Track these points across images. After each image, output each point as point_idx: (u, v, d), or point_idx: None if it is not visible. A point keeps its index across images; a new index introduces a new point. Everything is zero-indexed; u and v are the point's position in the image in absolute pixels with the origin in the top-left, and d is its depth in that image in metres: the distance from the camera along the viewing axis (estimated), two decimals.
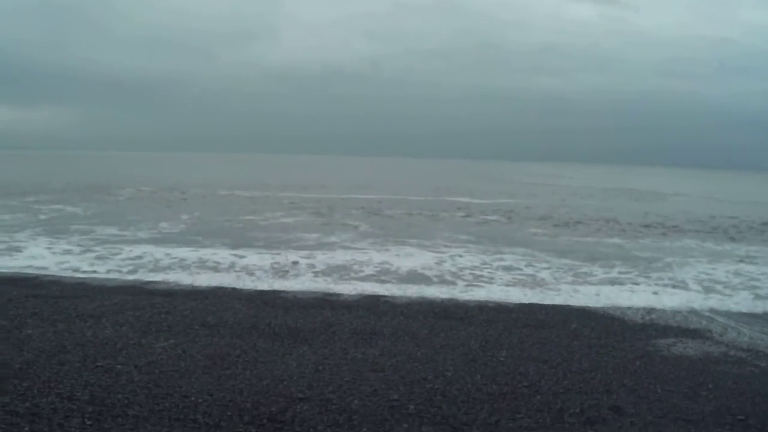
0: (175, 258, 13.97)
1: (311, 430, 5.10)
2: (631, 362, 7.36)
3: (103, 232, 18.11)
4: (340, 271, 13.12)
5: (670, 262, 15.63)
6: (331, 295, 10.81)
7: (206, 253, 14.63)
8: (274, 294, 10.69)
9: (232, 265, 13.35)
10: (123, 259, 13.75)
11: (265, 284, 11.62)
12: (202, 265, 13.33)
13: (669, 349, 8.08)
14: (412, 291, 11.43)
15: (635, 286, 12.49)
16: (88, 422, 5.03)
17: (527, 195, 43.69)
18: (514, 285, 12.36)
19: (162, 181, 46.43)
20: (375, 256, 15.01)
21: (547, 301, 10.91)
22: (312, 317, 8.92)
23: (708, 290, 12.42)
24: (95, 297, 9.79)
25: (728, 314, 10.43)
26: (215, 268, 13.02)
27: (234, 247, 15.78)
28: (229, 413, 5.34)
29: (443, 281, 12.55)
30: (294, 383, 6.14)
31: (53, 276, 11.79)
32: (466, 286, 12.18)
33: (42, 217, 22.09)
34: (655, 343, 8.35)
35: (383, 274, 12.96)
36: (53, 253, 14.36)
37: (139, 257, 14.01)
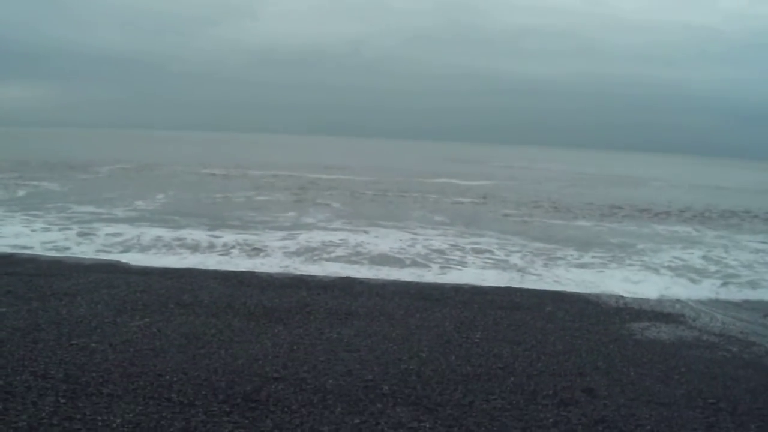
0: (151, 237, 13.89)
1: (286, 409, 5.11)
2: (604, 345, 7.44)
3: (80, 209, 17.94)
4: (316, 252, 13.14)
5: (644, 247, 15.80)
6: (306, 275, 10.81)
7: (182, 234, 14.54)
8: (250, 274, 10.67)
9: (208, 245, 13.31)
10: (99, 237, 13.67)
11: (240, 264, 11.60)
12: (179, 244, 13.28)
13: (642, 332, 8.18)
14: (388, 272, 11.46)
15: (610, 270, 12.63)
16: (62, 400, 4.99)
17: (505, 178, 43.83)
18: (489, 268, 12.45)
19: (140, 160, 45.94)
20: (351, 237, 15.03)
21: (522, 285, 10.98)
22: (287, 297, 8.91)
23: (680, 275, 12.58)
24: (70, 275, 9.70)
25: (700, 299, 10.58)
26: (191, 247, 12.99)
27: (210, 227, 15.72)
28: (203, 392, 5.33)
29: (418, 263, 12.60)
30: (269, 363, 6.14)
31: (28, 254, 11.66)
32: (442, 267, 12.26)
33: (20, 193, 21.90)
34: (629, 326, 8.44)
35: (359, 255, 12.99)
36: (32, 231, 14.24)
37: (116, 235, 13.93)
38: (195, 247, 13.05)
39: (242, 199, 23.04)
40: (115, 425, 4.65)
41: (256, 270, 11.10)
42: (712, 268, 13.66)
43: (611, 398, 5.72)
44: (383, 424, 4.94)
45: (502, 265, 12.78)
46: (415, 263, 12.54)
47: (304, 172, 38.79)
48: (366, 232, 16.17)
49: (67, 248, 12.47)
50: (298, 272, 11.09)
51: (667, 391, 6.01)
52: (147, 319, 7.44)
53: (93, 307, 7.82)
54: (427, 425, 4.97)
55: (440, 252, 13.78)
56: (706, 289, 11.47)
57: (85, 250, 12.38)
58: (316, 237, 14.92)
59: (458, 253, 13.83)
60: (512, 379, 6.09)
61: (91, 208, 18.33)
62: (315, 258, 12.57)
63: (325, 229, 16.42)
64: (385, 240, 14.92)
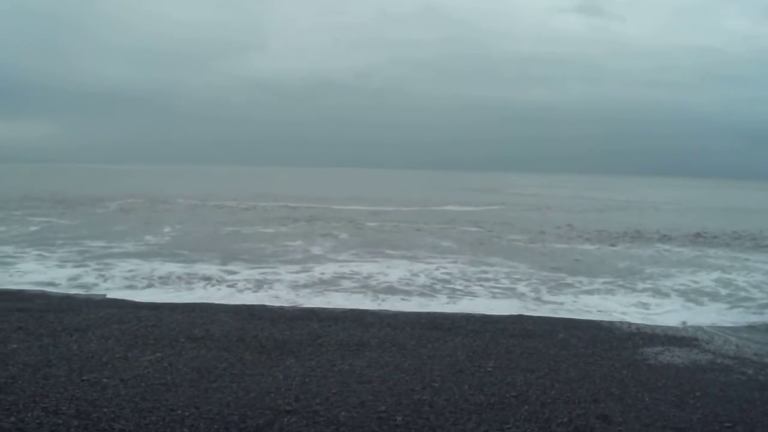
0: (162, 272, 13.93)
1: None
2: (618, 371, 7.37)
3: (91, 245, 18.03)
4: (327, 284, 13.12)
5: (655, 271, 15.72)
6: (317, 307, 10.80)
7: (194, 268, 14.58)
8: (261, 307, 10.67)
9: (219, 279, 13.32)
10: (111, 273, 13.71)
11: (250, 297, 11.61)
12: (190, 279, 13.30)
13: (656, 357, 8.11)
14: (399, 302, 11.43)
15: (622, 296, 12.57)
16: None
17: (514, 205, 43.81)
18: (499, 296, 12.40)
19: (152, 194, 46.18)
20: (362, 268, 15.02)
21: (535, 312, 10.94)
22: (299, 329, 8.89)
23: (692, 300, 12.50)
24: (81, 310, 9.73)
25: (714, 323, 10.50)
26: (202, 282, 13.00)
27: (221, 261, 15.75)
28: (216, 426, 5.30)
29: (429, 293, 12.57)
30: (281, 396, 6.12)
31: (39, 290, 11.71)
32: (451, 297, 12.21)
33: (32, 228, 22.06)
34: (643, 351, 8.38)
35: (370, 287, 12.97)
36: (46, 267, 14.35)
37: (128, 271, 13.97)
38: (205, 281, 13.08)
39: (251, 233, 23.08)
40: None
41: (266, 303, 11.10)
42: (724, 291, 13.56)
43: (626, 424, 5.66)
44: None
45: (511, 293, 12.72)
46: (423, 294, 12.50)
47: (314, 203, 38.90)
48: (376, 261, 16.16)
49: (79, 284, 12.53)
50: (309, 304, 11.08)
51: (683, 415, 5.94)
52: (158, 354, 7.43)
53: (104, 342, 7.82)
54: None
55: (448, 281, 13.74)
56: (718, 312, 11.40)
57: (96, 286, 12.43)
58: (329, 269, 14.93)
59: (468, 281, 13.79)
60: (526, 407, 6.04)
61: (101, 243, 18.40)
62: (326, 290, 12.55)
63: (335, 261, 16.40)
64: (395, 270, 14.89)
